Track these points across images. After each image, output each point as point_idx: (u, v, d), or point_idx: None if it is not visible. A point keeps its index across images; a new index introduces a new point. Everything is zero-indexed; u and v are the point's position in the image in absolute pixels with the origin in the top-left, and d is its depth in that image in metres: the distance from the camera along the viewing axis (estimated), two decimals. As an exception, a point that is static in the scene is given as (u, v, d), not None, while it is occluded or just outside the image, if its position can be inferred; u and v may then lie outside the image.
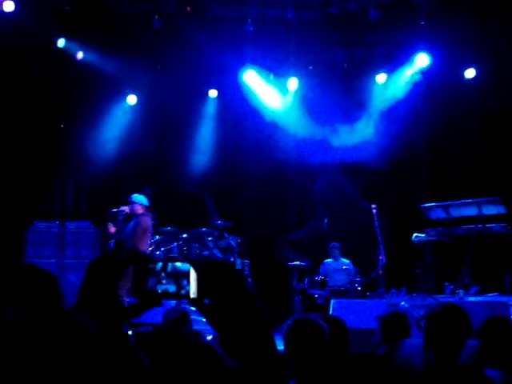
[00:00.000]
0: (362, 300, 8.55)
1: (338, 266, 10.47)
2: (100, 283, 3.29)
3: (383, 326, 4.71)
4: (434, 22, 10.74)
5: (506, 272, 9.22)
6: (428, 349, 3.52)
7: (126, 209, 9.27)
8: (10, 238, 10.99)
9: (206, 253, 10.98)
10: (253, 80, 11.98)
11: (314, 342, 3.53)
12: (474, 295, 9.18)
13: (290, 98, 12.07)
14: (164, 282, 5.89)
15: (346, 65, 11.78)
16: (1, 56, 10.54)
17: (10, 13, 10.19)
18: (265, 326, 3.61)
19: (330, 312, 7.81)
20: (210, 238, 11.06)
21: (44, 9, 10.79)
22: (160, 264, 5.87)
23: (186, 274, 4.66)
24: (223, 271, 3.81)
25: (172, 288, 5.92)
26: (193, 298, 4.91)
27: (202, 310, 3.82)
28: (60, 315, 1.88)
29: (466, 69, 11.22)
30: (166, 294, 5.91)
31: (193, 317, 5.24)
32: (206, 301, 3.68)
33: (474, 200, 9.78)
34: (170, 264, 5.92)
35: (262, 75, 11.99)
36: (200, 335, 4.58)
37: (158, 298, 5.16)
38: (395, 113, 11.49)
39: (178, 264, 5.33)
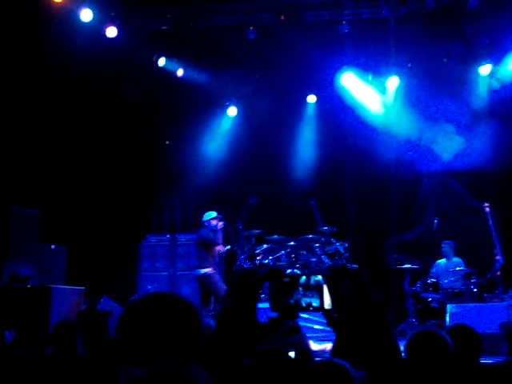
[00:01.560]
0: (481, 304, 8.21)
1: (451, 266, 10.14)
2: (240, 302, 3.34)
3: (506, 336, 4.51)
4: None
5: None
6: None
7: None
8: (125, 253, 11.46)
9: (313, 259, 10.94)
10: (351, 82, 11.85)
11: (436, 353, 3.44)
12: None
13: (390, 98, 11.82)
14: (309, 295, 6.00)
15: (445, 59, 11.41)
16: (106, 79, 11.02)
17: (113, 38, 10.65)
18: (391, 332, 3.56)
19: (448, 317, 7.55)
20: (317, 245, 11.02)
21: (142, 31, 11.20)
22: (304, 278, 5.98)
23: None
24: (353, 278, 3.78)
25: (316, 301, 6.00)
26: (327, 309, 4.94)
27: (331, 322, 3.83)
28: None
29: None
30: (310, 307, 5.99)
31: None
32: (335, 314, 3.67)
33: None
34: (312, 277, 5.99)
35: (360, 77, 11.84)
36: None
37: (296, 311, 5.23)
38: (500, 104, 11.02)
39: (319, 277, 5.37)
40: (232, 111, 12.52)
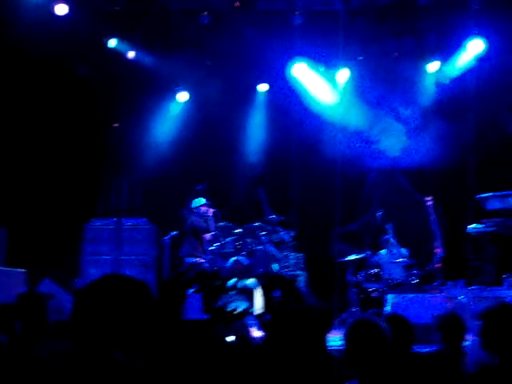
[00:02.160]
0: (419, 294, 8.44)
1: (393, 257, 10.37)
2: (167, 305, 3.35)
3: (441, 327, 4.66)
4: (489, 7, 10.47)
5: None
6: (486, 349, 3.47)
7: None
8: (68, 235, 11.26)
9: (259, 247, 11.03)
10: (302, 73, 11.90)
11: (375, 342, 3.52)
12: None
13: (340, 90, 11.94)
14: (235, 299, 5.90)
15: (396, 53, 11.59)
16: (54, 58, 10.78)
17: (62, 16, 10.41)
18: (319, 334, 3.64)
19: (388, 307, 7.73)
20: (263, 233, 11.11)
21: (95, 10, 10.99)
22: (231, 281, 5.90)
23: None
24: (283, 286, 3.88)
25: (243, 305, 5.90)
26: (258, 314, 4.92)
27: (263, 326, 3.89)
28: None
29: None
30: (236, 311, 5.91)
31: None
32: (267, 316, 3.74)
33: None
34: (240, 281, 5.92)
35: (311, 68, 11.90)
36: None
37: (228, 316, 5.19)
38: (447, 101, 11.29)
39: (248, 281, 5.29)
40: (183, 96, 12.41)
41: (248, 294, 5.94)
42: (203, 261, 9.71)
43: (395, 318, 4.09)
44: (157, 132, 12.10)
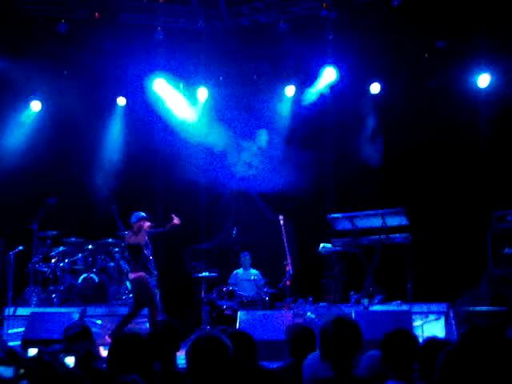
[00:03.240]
0: (269, 311, 8.58)
1: (248, 276, 10.51)
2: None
3: (290, 339, 4.74)
4: (342, 37, 11.01)
5: (408, 281, 9.54)
6: (324, 361, 3.58)
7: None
8: None
9: (112, 264, 10.75)
10: (162, 89, 11.83)
11: (217, 358, 3.50)
12: (378, 304, 9.44)
13: (199, 108, 11.99)
14: None
15: (255, 76, 11.86)
16: None
17: None
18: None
19: (238, 324, 7.78)
20: (116, 249, 10.84)
21: None
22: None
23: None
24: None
25: None
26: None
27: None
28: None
29: (371, 83, 11.56)
30: None
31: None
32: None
33: (379, 211, 10.09)
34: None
35: (171, 84, 11.86)
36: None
37: None
38: (303, 126, 11.69)
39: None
40: (36, 106, 11.86)
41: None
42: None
43: (238, 335, 4.11)
44: (6, 141, 11.45)
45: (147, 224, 9.19)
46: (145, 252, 9.11)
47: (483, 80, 10.83)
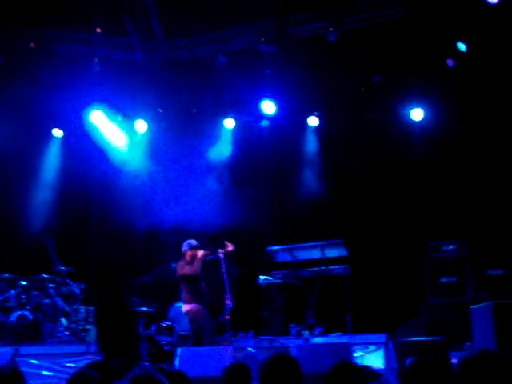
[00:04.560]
0: (208, 347, 8.44)
1: (186, 310, 10.32)
2: None
3: (224, 377, 4.66)
4: (281, 71, 11.14)
5: (348, 312, 9.59)
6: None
7: None
8: None
9: (46, 301, 10.39)
10: (100, 121, 11.65)
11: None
12: (318, 336, 9.44)
13: (137, 141, 11.86)
14: None
15: (195, 109, 11.85)
16: None
17: None
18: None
19: (177, 361, 7.61)
20: (51, 285, 10.50)
21: None
22: None
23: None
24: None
25: None
26: None
27: None
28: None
29: (309, 117, 11.74)
30: None
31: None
32: None
33: (318, 243, 10.16)
34: None
35: (109, 116, 11.70)
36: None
37: None
38: (242, 159, 11.71)
39: None
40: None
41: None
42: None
43: (175, 374, 4.04)
44: None
45: (201, 253, 8.99)
46: (200, 282, 8.94)
47: (417, 114, 11.17)
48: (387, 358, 8.64)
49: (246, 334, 9.90)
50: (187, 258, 9.00)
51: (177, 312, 10.38)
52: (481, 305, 7.46)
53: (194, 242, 9.08)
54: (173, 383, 3.51)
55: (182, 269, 9.01)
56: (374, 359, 8.91)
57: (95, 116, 11.55)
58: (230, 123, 11.89)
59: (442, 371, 4.06)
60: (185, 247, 9.05)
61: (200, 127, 11.79)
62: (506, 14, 9.39)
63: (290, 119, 11.68)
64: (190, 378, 4.12)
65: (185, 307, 9.07)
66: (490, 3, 9.26)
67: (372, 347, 9.12)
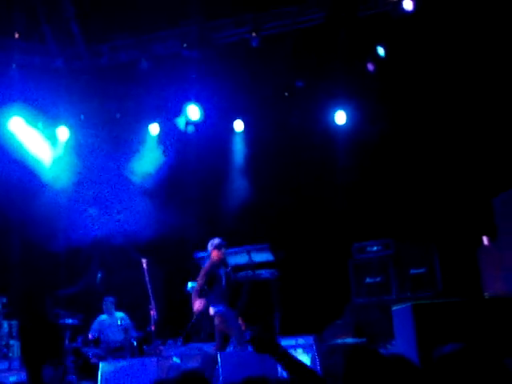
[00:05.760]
0: (131, 359, 8.32)
1: (113, 321, 10.16)
2: None
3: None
4: (205, 76, 11.09)
5: (276, 315, 9.65)
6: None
7: None
8: None
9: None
10: (19, 128, 11.26)
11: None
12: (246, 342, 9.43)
13: (59, 149, 11.56)
14: None
15: (118, 115, 11.65)
16: None
17: None
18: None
19: (99, 376, 7.44)
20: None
21: None
22: None
23: None
24: None
25: None
26: None
27: None
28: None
29: (235, 121, 11.75)
30: None
31: None
32: None
33: (244, 247, 10.17)
34: None
35: (29, 123, 11.33)
36: None
37: None
38: (167, 165, 11.63)
39: None
40: None
41: None
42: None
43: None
44: None
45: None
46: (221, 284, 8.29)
47: (340, 117, 11.34)
48: (313, 360, 8.75)
49: (175, 341, 9.82)
50: (215, 259, 8.23)
51: (102, 323, 10.20)
52: (401, 306, 7.62)
53: (216, 240, 8.26)
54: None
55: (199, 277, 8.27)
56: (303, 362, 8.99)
57: (14, 123, 11.13)
58: (155, 129, 11.75)
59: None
60: (209, 247, 8.27)
61: (124, 134, 11.62)
62: (420, 20, 9.65)
63: (216, 124, 11.66)
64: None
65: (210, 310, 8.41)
66: (406, 11, 9.50)
67: (300, 350, 9.21)
